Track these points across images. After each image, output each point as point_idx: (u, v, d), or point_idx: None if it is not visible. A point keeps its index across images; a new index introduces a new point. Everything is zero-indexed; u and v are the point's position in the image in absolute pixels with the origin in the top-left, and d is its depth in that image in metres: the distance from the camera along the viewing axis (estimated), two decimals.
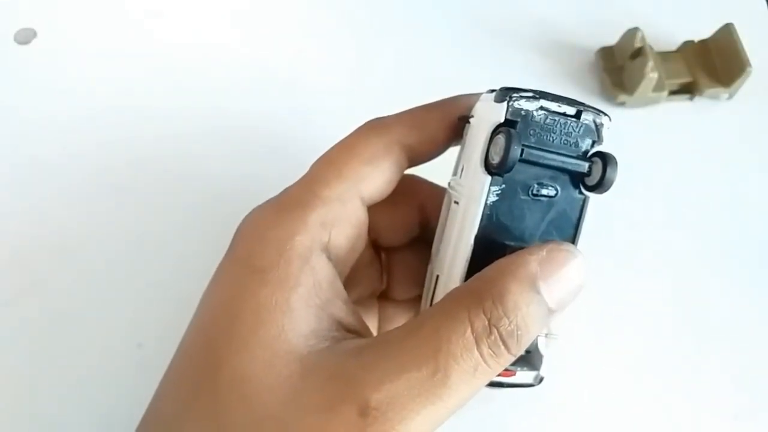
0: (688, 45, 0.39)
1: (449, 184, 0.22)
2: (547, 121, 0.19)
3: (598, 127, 0.20)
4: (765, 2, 0.43)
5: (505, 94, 0.19)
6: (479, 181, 0.20)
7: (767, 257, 0.35)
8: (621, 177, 0.20)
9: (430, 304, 0.23)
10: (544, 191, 0.20)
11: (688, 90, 0.39)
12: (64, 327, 0.30)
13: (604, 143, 0.20)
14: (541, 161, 0.20)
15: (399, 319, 0.28)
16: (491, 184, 0.20)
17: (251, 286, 0.19)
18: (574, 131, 0.20)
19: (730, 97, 0.39)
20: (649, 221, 0.35)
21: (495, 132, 0.19)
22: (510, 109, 0.19)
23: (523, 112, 0.19)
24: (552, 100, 0.19)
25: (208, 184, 0.34)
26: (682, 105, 0.39)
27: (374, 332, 0.27)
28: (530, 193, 0.20)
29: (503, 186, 0.20)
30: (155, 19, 0.40)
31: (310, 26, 0.40)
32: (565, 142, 0.20)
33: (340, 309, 0.20)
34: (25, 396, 0.28)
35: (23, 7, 0.39)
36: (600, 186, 0.20)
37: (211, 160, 0.35)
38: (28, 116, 0.36)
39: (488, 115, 0.20)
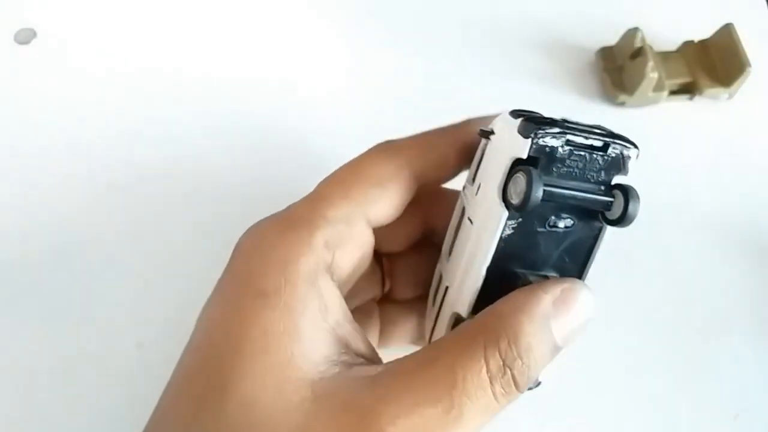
0: (688, 45, 0.39)
1: (463, 188, 0.22)
2: (572, 156, 0.19)
3: (624, 160, 0.19)
4: (765, 2, 0.43)
5: (531, 129, 0.18)
6: (495, 214, 0.19)
7: (767, 257, 0.35)
8: None
9: (437, 315, 0.23)
10: (561, 224, 0.20)
11: (688, 90, 0.39)
12: (64, 327, 0.30)
13: (628, 175, 0.19)
14: (561, 200, 0.19)
15: (402, 320, 0.27)
16: (508, 218, 0.19)
17: (255, 310, 0.18)
18: (599, 164, 0.19)
19: (730, 97, 0.39)
20: (648, 221, 0.35)
21: (516, 167, 0.19)
22: (534, 146, 0.18)
23: (547, 149, 0.18)
24: (580, 132, 0.18)
25: (209, 184, 0.34)
26: (682, 105, 0.39)
27: (377, 335, 0.27)
28: (547, 225, 0.19)
29: (519, 220, 0.19)
30: (155, 19, 0.40)
31: (310, 31, 0.40)
32: (589, 176, 0.19)
33: (348, 332, 0.20)
34: (26, 396, 0.28)
35: (23, 7, 0.39)
36: (621, 221, 0.19)
37: (212, 160, 0.35)
38: (27, 116, 0.36)
39: (510, 144, 0.19)
